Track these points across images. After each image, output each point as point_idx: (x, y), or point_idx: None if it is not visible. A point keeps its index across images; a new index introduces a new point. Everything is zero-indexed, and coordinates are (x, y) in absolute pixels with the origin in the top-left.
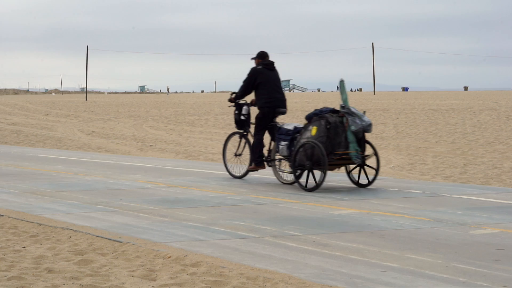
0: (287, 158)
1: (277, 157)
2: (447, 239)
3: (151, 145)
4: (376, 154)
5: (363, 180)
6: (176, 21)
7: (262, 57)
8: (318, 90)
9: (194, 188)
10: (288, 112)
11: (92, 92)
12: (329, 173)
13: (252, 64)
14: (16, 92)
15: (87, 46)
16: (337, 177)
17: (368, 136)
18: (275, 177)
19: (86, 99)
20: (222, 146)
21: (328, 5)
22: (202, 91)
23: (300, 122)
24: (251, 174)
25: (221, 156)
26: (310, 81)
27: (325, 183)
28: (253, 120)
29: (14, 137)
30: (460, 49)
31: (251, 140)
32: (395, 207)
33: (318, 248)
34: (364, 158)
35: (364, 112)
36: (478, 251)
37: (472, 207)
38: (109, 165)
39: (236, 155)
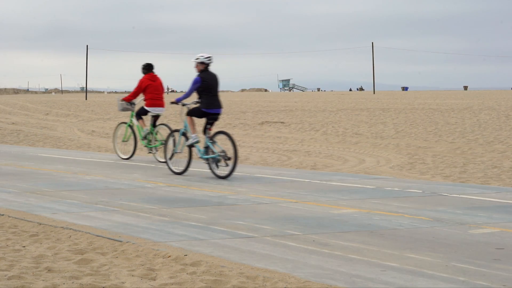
0: None
1: None
2: (447, 239)
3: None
4: None
5: None
6: (176, 20)
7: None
8: (318, 89)
9: (194, 187)
10: (288, 111)
11: (92, 91)
12: (328, 173)
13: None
14: (16, 91)
15: (87, 46)
16: (336, 176)
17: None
18: (274, 176)
19: (86, 99)
20: (222, 145)
21: (328, 5)
22: None
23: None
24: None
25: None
26: (309, 81)
27: (324, 182)
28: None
29: (14, 136)
30: (460, 48)
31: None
32: (395, 206)
33: (318, 247)
34: None
35: None
36: (477, 250)
37: (471, 206)
38: (109, 165)
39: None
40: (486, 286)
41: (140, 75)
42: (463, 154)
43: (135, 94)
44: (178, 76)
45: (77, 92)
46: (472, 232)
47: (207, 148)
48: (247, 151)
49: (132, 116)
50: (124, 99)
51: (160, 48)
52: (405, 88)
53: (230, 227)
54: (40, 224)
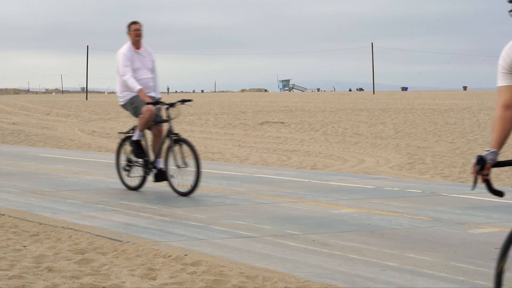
0: None
1: None
2: (446, 238)
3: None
4: None
5: None
6: (176, 21)
7: None
8: (318, 90)
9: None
10: (288, 111)
11: (92, 91)
12: (328, 173)
13: None
14: (16, 92)
15: (88, 46)
16: (336, 176)
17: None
18: (274, 176)
19: (87, 99)
20: (222, 145)
21: (328, 5)
22: (202, 91)
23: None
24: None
25: (221, 156)
26: (309, 81)
27: (324, 182)
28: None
29: (14, 136)
30: (459, 49)
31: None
32: (395, 206)
33: (318, 247)
34: None
35: None
36: (477, 250)
37: (471, 206)
38: (109, 165)
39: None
40: (485, 285)
41: None
42: (463, 154)
43: None
44: (178, 76)
45: (77, 92)
46: (471, 232)
47: None
48: (247, 151)
49: None
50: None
51: (160, 48)
52: (404, 88)
53: (230, 227)
54: (41, 224)
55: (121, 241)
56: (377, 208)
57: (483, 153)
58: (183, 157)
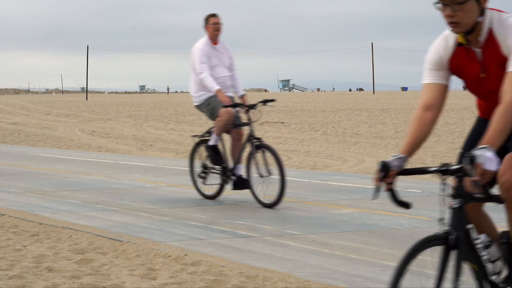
0: None
1: None
2: None
3: (151, 145)
4: None
5: None
6: (176, 21)
7: None
8: (318, 89)
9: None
10: (288, 111)
11: (92, 91)
12: (328, 173)
13: None
14: (16, 92)
15: (88, 46)
16: (336, 176)
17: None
18: (274, 176)
19: (87, 99)
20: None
21: (328, 5)
22: None
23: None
24: None
25: None
26: (309, 81)
27: (324, 182)
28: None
29: (14, 136)
30: None
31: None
32: (395, 206)
33: (318, 247)
34: None
35: None
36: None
37: None
38: (109, 165)
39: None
40: None
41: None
42: None
43: None
44: (178, 76)
45: (77, 92)
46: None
47: None
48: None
49: None
50: None
51: (160, 48)
52: (404, 88)
53: (230, 227)
54: (41, 224)
55: (121, 241)
56: (377, 208)
57: (389, 159)
58: (266, 165)
